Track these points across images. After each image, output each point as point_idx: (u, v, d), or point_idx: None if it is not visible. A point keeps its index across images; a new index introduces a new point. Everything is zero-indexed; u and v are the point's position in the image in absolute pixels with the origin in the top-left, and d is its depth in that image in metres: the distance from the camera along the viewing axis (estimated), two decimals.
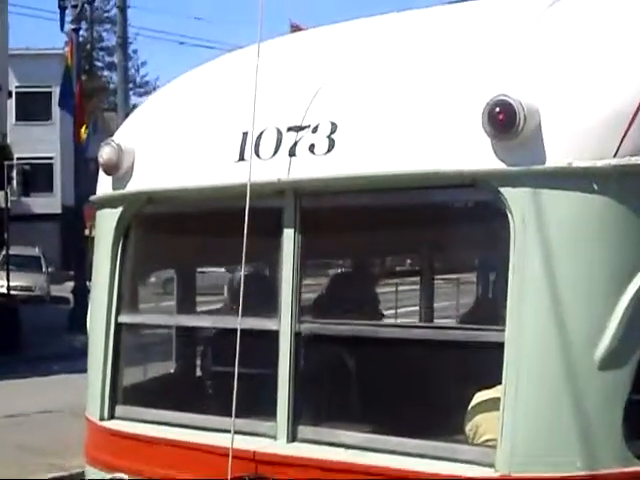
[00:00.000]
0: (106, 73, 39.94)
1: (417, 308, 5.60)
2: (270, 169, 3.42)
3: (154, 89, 40.75)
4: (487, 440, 3.11)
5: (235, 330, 3.18)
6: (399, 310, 5.84)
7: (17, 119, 37.30)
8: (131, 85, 28.41)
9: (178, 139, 3.94)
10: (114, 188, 4.04)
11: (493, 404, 3.03)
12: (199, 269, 5.00)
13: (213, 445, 3.51)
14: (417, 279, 5.68)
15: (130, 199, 4.03)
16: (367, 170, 3.21)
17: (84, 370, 4.29)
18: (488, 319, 3.43)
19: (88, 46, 29.68)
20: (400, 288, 5.61)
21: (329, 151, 3.32)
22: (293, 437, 3.41)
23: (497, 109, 2.82)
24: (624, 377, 2.81)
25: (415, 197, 3.30)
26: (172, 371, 4.81)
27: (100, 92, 26.71)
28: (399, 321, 4.84)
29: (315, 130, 3.38)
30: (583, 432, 2.80)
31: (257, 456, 3.41)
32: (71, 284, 25.64)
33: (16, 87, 34.36)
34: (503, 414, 2.87)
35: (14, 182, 24.69)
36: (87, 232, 20.77)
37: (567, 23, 3.28)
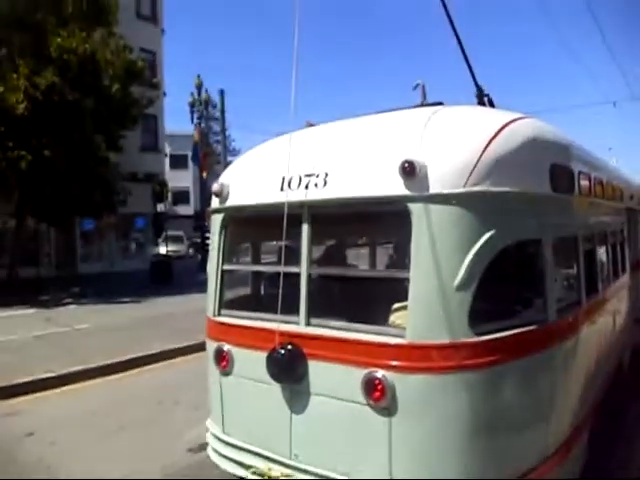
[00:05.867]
0: (215, 145, 51.88)
1: (367, 262, 6.49)
2: (296, 195, 4.21)
3: (238, 154, 47.94)
4: (401, 325, 3.76)
5: (280, 272, 3.98)
6: (360, 262, 6.44)
7: (170, 168, 51.85)
8: (227, 151, 35.35)
9: (250, 180, 4.77)
10: (219, 204, 4.98)
11: (403, 308, 3.69)
12: (262, 243, 5.68)
13: (268, 328, 4.25)
14: (367, 249, 6.73)
15: (227, 209, 4.93)
16: (342, 195, 3.99)
17: (205, 291, 5.17)
18: (402, 266, 3.98)
19: (205, 130, 36.95)
20: (360, 252, 6.64)
21: (325, 186, 4.08)
22: (308, 323, 4.15)
23: (406, 164, 3.52)
24: (468, 293, 3.51)
25: (365, 209, 3.96)
26: (249, 293, 5.51)
27: (212, 154, 35.93)
28: (359, 268, 5.62)
29: (317, 176, 4.13)
30: (449, 320, 3.48)
31: (291, 334, 4.14)
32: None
33: (170, 152, 48.41)
34: (409, 313, 3.55)
35: (169, 199, 39.58)
36: (206, 223, 19.87)
37: (441, 124, 4.01)
